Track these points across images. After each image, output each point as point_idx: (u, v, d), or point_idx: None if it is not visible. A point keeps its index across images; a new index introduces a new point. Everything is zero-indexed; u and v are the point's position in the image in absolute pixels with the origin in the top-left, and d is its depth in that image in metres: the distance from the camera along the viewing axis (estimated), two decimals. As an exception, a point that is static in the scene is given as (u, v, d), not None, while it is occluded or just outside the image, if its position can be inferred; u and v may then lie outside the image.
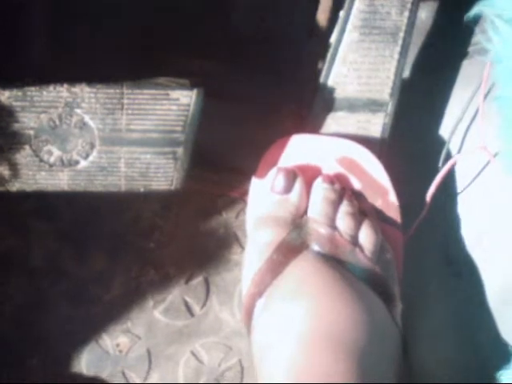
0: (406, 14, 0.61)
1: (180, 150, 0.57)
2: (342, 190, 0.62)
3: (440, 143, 0.68)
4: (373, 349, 0.55)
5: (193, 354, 0.70)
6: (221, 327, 0.71)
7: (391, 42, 0.61)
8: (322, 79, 0.63)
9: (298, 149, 0.64)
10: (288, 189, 0.61)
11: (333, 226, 0.60)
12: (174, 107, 0.55)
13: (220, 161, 0.70)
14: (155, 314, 0.70)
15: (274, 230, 0.60)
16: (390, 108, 0.64)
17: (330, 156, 0.64)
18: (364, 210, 0.62)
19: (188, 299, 0.70)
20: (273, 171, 0.62)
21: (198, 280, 0.71)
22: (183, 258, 0.70)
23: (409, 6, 0.60)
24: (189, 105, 0.55)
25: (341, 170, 0.64)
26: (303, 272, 0.57)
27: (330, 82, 0.63)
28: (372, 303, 0.58)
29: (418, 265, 0.69)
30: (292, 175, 0.61)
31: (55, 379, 0.68)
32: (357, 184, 0.64)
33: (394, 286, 0.60)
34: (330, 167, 0.64)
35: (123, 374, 0.69)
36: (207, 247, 0.71)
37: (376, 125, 0.65)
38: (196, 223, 0.71)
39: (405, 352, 0.60)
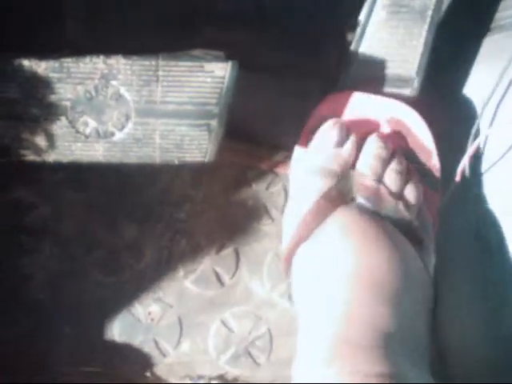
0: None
1: (214, 123, 0.57)
2: (394, 149, 0.63)
3: (471, 117, 0.67)
4: (408, 295, 0.57)
5: (223, 322, 0.71)
6: (250, 297, 0.71)
7: (419, 19, 0.61)
8: (349, 55, 0.63)
9: (348, 106, 0.64)
10: (341, 143, 0.62)
11: (380, 181, 0.61)
12: (209, 79, 0.55)
13: (251, 132, 0.71)
14: (186, 284, 0.70)
15: (322, 179, 0.61)
16: (415, 84, 0.64)
17: (380, 114, 0.64)
18: (408, 170, 0.63)
19: (218, 269, 0.71)
20: (327, 124, 0.62)
21: (228, 250, 0.71)
22: (214, 229, 0.71)
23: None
24: (223, 77, 0.55)
25: (390, 128, 0.64)
26: (346, 220, 0.59)
27: (358, 58, 0.63)
28: (409, 254, 0.59)
29: (446, 240, 0.69)
30: (346, 129, 0.62)
31: (88, 346, 0.69)
32: (404, 143, 0.65)
33: (429, 242, 0.62)
34: (380, 125, 0.65)
35: (155, 341, 0.70)
36: (237, 218, 0.72)
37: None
38: (226, 194, 0.71)
39: (435, 305, 0.61)
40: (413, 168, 0.64)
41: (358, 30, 0.62)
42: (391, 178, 0.61)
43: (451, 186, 0.65)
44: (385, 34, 0.62)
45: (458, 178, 0.64)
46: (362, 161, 0.62)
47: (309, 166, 0.62)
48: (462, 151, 0.65)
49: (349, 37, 0.64)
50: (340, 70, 0.64)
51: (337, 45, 0.67)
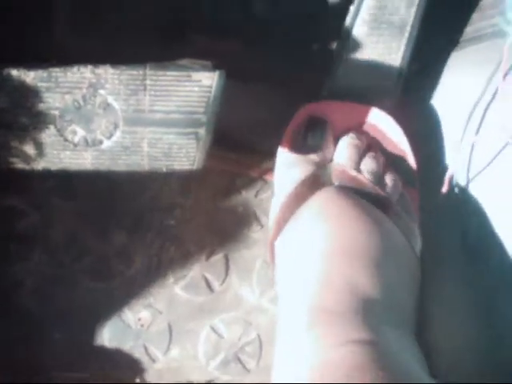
0: (414, 9, 0.62)
1: (202, 131, 0.58)
2: (369, 143, 0.65)
3: (456, 126, 0.68)
4: (391, 266, 0.58)
5: (212, 328, 0.72)
6: (240, 303, 0.72)
7: (398, 34, 0.63)
8: (332, 67, 0.65)
9: (326, 113, 0.66)
10: (318, 138, 0.64)
11: (357, 168, 0.63)
12: (196, 88, 0.56)
13: (239, 140, 0.71)
14: (176, 290, 0.71)
15: (300, 168, 0.63)
16: (395, 95, 0.67)
17: (355, 120, 0.66)
18: (386, 166, 0.65)
19: (208, 276, 0.72)
20: (304, 120, 0.65)
21: (217, 257, 0.72)
22: (203, 236, 0.72)
23: (416, 1, 0.62)
24: (211, 86, 0.56)
25: (364, 133, 0.66)
26: (325, 200, 0.60)
27: (340, 69, 0.65)
28: (390, 229, 0.60)
29: (434, 249, 0.69)
30: (323, 125, 0.64)
31: (78, 352, 0.70)
32: (378, 146, 0.66)
33: (414, 224, 0.63)
34: (356, 129, 0.66)
35: (144, 347, 0.71)
36: (227, 225, 0.72)
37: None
38: (215, 202, 0.72)
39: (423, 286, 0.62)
40: (389, 166, 0.65)
41: (341, 42, 0.64)
42: (368, 164, 0.63)
43: (438, 195, 0.66)
44: (366, 48, 0.63)
45: (445, 187, 0.65)
46: (338, 152, 0.64)
47: (290, 160, 0.64)
48: (448, 159, 0.66)
49: (333, 48, 0.65)
50: (324, 80, 0.65)
51: (322, 56, 0.68)
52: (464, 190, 0.67)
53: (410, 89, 0.69)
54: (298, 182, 0.62)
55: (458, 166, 0.65)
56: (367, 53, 0.64)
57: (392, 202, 0.62)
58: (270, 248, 0.64)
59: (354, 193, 0.61)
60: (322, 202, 0.60)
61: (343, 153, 0.64)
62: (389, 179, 0.64)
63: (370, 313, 0.54)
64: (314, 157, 0.64)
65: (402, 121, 0.67)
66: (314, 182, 0.62)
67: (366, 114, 0.66)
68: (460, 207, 0.67)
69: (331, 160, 0.64)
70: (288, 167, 0.64)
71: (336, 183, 0.62)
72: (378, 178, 0.63)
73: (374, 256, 0.57)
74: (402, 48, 0.64)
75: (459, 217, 0.68)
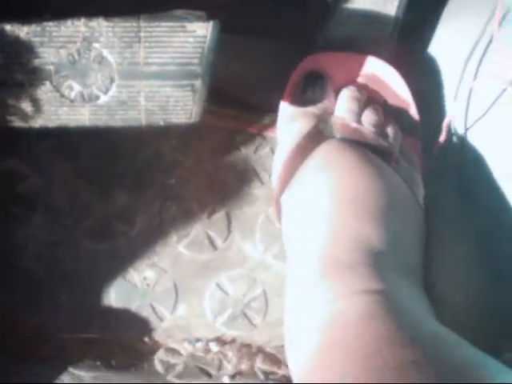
0: None
1: (198, 83, 0.57)
2: (369, 96, 0.65)
3: (453, 72, 0.67)
4: (396, 215, 0.58)
5: (218, 286, 0.72)
6: (244, 259, 0.72)
7: None
8: (328, 17, 0.65)
9: (326, 64, 0.66)
10: (319, 90, 0.64)
11: (358, 120, 0.63)
12: (191, 39, 0.55)
13: (238, 97, 0.71)
14: (179, 248, 0.71)
15: (302, 121, 0.63)
16: (391, 43, 0.66)
17: (356, 71, 0.66)
18: (388, 118, 0.65)
19: (211, 233, 0.72)
20: (303, 74, 0.65)
21: (219, 214, 0.72)
22: (204, 193, 0.72)
23: None
24: (205, 37, 0.56)
25: (366, 83, 0.66)
26: (329, 151, 0.61)
27: (336, 19, 0.65)
28: (393, 180, 0.60)
29: (435, 199, 0.69)
30: (323, 78, 0.64)
31: (85, 313, 0.70)
32: (380, 96, 0.66)
33: (417, 173, 0.64)
34: (356, 80, 0.66)
35: (151, 306, 0.71)
36: (227, 182, 0.72)
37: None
38: (215, 159, 0.72)
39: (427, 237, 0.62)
40: (391, 117, 0.65)
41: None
42: (369, 116, 0.63)
43: (437, 143, 0.66)
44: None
45: (443, 135, 0.65)
46: (338, 105, 0.64)
47: (291, 113, 0.64)
48: (446, 108, 0.66)
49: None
50: (319, 31, 0.65)
51: (318, 6, 0.67)
52: (461, 138, 0.67)
53: (406, 38, 0.68)
54: (300, 135, 0.62)
55: (455, 114, 0.65)
56: (362, 2, 0.63)
57: (394, 152, 0.62)
58: (276, 205, 0.64)
59: (357, 145, 0.61)
60: (326, 155, 0.60)
61: (344, 105, 0.64)
62: (390, 130, 0.64)
63: (378, 263, 0.54)
64: (314, 110, 0.64)
65: (400, 71, 0.67)
66: (317, 136, 0.62)
67: (365, 64, 0.66)
68: (457, 155, 0.67)
69: (332, 113, 0.64)
70: (289, 121, 0.64)
71: (338, 136, 0.62)
72: (380, 130, 0.63)
73: (379, 207, 0.57)
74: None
75: (457, 164, 0.68)
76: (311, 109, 0.64)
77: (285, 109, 0.66)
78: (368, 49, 0.66)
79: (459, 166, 0.67)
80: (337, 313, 0.50)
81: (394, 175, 0.61)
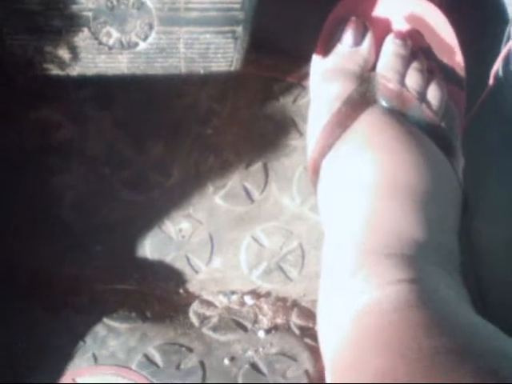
0: None
1: (239, 29, 0.55)
2: (413, 47, 0.61)
3: (504, 19, 0.65)
4: (436, 200, 0.56)
5: (254, 238, 0.71)
6: (281, 212, 0.71)
7: None
8: None
9: (366, 6, 0.62)
10: (358, 41, 0.60)
11: (401, 81, 0.60)
12: (233, -16, 0.54)
13: (276, 45, 0.69)
14: (216, 200, 0.70)
15: (342, 83, 0.60)
16: None
17: (399, 13, 0.62)
18: (431, 68, 0.62)
19: (247, 185, 0.70)
20: (342, 23, 0.61)
21: (256, 166, 0.71)
22: (241, 144, 0.70)
23: None
24: (248, -19, 0.54)
25: (410, 27, 0.62)
26: (371, 126, 0.58)
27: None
28: (435, 156, 0.58)
29: (480, 148, 0.68)
30: (363, 27, 0.60)
31: (120, 264, 0.70)
32: (425, 42, 0.63)
33: (457, 142, 0.61)
34: (400, 24, 0.62)
35: (187, 258, 0.70)
36: (265, 133, 0.70)
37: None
38: (253, 108, 0.70)
39: (465, 208, 0.60)
40: (435, 66, 0.62)
41: None
42: (413, 77, 0.60)
43: (484, 90, 0.63)
44: None
45: (491, 81, 0.63)
46: (381, 61, 0.61)
47: (327, 69, 0.61)
48: (495, 54, 0.63)
49: None
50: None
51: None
52: (507, 87, 0.64)
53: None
54: (339, 100, 0.59)
55: (504, 61, 0.62)
56: None
57: (439, 126, 0.59)
58: (312, 168, 0.61)
59: (400, 115, 0.58)
60: (369, 128, 0.58)
61: (387, 62, 0.60)
62: (435, 89, 0.60)
63: (416, 252, 0.53)
64: (354, 66, 0.60)
65: (453, 16, 0.63)
66: (359, 102, 0.59)
67: (410, 5, 0.62)
68: (507, 104, 0.65)
69: (373, 68, 0.61)
70: (326, 78, 0.61)
71: (381, 100, 0.59)
72: (423, 95, 0.60)
73: (421, 192, 0.55)
74: None
75: (506, 114, 0.66)
76: (350, 65, 0.60)
77: (320, 61, 0.62)
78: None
79: (509, 118, 0.65)
80: (372, 302, 0.49)
81: (437, 152, 0.58)
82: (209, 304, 0.70)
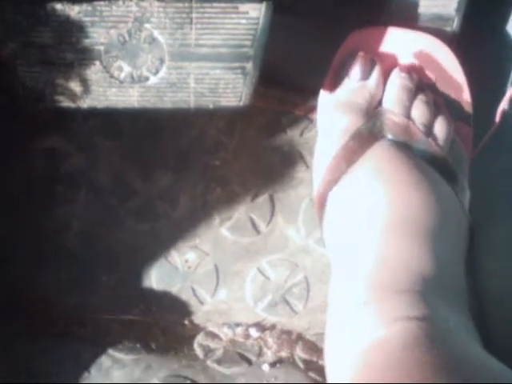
0: None
1: (249, 65, 0.56)
2: (419, 81, 0.62)
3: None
4: (444, 235, 0.56)
5: (259, 270, 0.71)
6: (286, 244, 0.71)
7: None
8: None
9: (374, 41, 0.63)
10: (366, 76, 0.61)
11: (408, 115, 0.60)
12: (243, 21, 0.54)
13: (284, 78, 0.69)
14: (222, 231, 0.70)
15: (349, 117, 0.60)
16: (455, 22, 0.62)
17: (407, 48, 0.63)
18: (438, 103, 0.62)
19: (254, 216, 0.71)
20: (351, 58, 0.61)
21: (263, 197, 0.71)
22: (248, 176, 0.70)
23: None
24: (258, 18, 0.54)
25: (417, 62, 0.63)
26: (379, 160, 0.58)
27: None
28: (443, 190, 0.58)
29: (487, 182, 0.68)
30: (370, 62, 0.61)
31: (126, 294, 0.70)
32: (432, 78, 0.63)
33: (463, 176, 0.61)
34: (407, 59, 0.63)
35: (192, 289, 0.70)
36: (272, 165, 0.71)
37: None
38: (260, 141, 0.70)
39: (472, 238, 0.60)
40: (442, 101, 0.63)
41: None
42: (420, 110, 0.60)
43: (491, 127, 0.64)
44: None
45: (497, 118, 0.63)
46: (387, 95, 0.61)
47: (335, 103, 0.62)
48: (503, 92, 0.63)
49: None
50: (380, 11, 0.62)
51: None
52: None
53: (471, 18, 0.65)
54: (346, 135, 0.59)
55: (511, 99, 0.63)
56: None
57: (445, 160, 0.60)
58: (318, 202, 0.61)
59: (407, 148, 0.59)
60: (377, 162, 0.58)
61: (393, 96, 0.61)
62: (441, 123, 0.61)
63: (425, 289, 0.53)
64: (361, 101, 0.60)
65: (462, 52, 0.64)
66: (366, 137, 0.59)
67: (417, 40, 0.62)
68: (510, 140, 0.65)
69: (380, 103, 0.61)
70: (334, 112, 0.61)
71: (388, 134, 0.59)
72: (430, 129, 0.60)
73: (430, 227, 0.55)
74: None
75: (510, 152, 0.66)
76: (358, 99, 0.61)
77: (328, 95, 0.63)
78: (431, 27, 0.63)
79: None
80: (379, 339, 0.49)
81: (445, 186, 0.59)
82: (214, 336, 0.70)
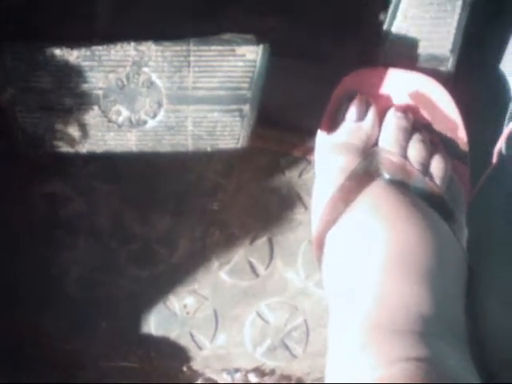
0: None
1: (246, 108, 0.56)
2: (414, 120, 0.62)
3: (508, 96, 0.66)
4: (442, 274, 0.56)
5: (258, 314, 0.70)
6: (286, 287, 0.71)
7: None
8: (383, 36, 0.62)
9: (370, 81, 0.63)
10: (362, 117, 0.61)
11: (404, 155, 0.60)
12: (241, 63, 0.55)
13: (282, 119, 0.70)
14: (221, 275, 0.70)
15: (346, 158, 0.60)
16: (450, 62, 0.63)
17: (403, 89, 0.63)
18: (434, 142, 0.62)
19: (252, 260, 0.70)
20: (346, 99, 0.62)
21: (262, 240, 0.70)
22: (247, 219, 0.70)
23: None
24: (255, 61, 0.55)
25: (413, 102, 0.63)
26: (376, 198, 0.58)
27: (391, 38, 0.62)
28: (440, 228, 0.58)
29: (484, 221, 0.68)
30: (365, 103, 0.61)
31: (124, 341, 0.69)
32: (427, 118, 0.63)
33: (460, 214, 0.61)
34: (403, 99, 0.63)
35: (191, 334, 0.70)
36: (270, 207, 0.71)
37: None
38: (259, 183, 0.70)
39: (470, 273, 0.60)
40: (438, 141, 0.63)
41: (391, 8, 0.61)
42: (416, 149, 0.60)
43: (488, 167, 0.64)
44: (418, 12, 0.60)
45: (494, 159, 0.63)
46: (383, 135, 0.61)
47: (331, 144, 0.62)
48: (499, 131, 0.64)
49: (381, 16, 0.63)
50: (375, 52, 0.63)
51: (368, 30, 0.66)
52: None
53: (466, 57, 0.65)
54: (343, 175, 0.59)
55: (507, 139, 0.63)
56: (419, 17, 0.61)
57: (442, 198, 0.60)
58: (317, 243, 0.61)
59: (404, 186, 0.59)
60: (375, 200, 0.58)
61: (389, 136, 0.61)
62: (438, 161, 0.61)
63: (424, 328, 0.52)
64: (357, 142, 0.61)
65: (458, 92, 0.64)
66: (363, 176, 0.59)
67: (411, 80, 0.63)
68: (508, 176, 0.65)
69: (376, 143, 0.61)
70: (329, 153, 0.62)
71: (384, 173, 0.59)
72: (426, 168, 0.60)
73: (428, 266, 0.55)
74: (458, 11, 0.60)
75: (510, 190, 0.66)
76: (354, 140, 0.61)
77: (324, 136, 0.63)
78: (426, 67, 0.64)
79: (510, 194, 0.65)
80: (380, 379, 0.48)
81: (442, 224, 0.58)
82: (212, 382, 0.69)
